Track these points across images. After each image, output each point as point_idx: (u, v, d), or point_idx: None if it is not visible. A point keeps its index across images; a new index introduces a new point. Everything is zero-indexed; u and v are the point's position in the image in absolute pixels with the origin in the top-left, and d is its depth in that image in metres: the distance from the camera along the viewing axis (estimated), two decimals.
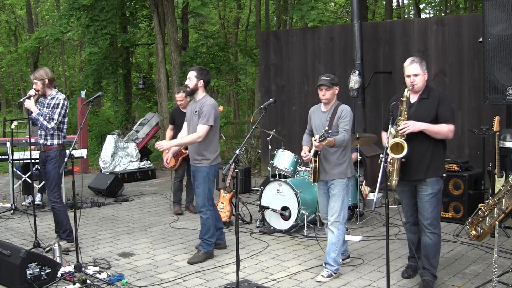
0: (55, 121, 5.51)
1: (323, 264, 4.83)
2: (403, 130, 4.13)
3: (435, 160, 4.28)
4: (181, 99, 7.47)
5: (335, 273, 4.72)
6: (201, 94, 5.46)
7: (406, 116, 4.20)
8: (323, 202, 4.90)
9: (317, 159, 4.71)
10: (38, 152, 7.47)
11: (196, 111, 5.38)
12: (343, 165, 4.74)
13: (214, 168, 5.40)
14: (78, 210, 5.17)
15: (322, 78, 4.82)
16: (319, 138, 4.38)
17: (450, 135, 4.23)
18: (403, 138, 4.13)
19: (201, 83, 5.42)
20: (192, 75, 5.42)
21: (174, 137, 7.30)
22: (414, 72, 4.29)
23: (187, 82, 5.46)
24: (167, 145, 5.42)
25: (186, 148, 7.41)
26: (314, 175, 4.76)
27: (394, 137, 4.15)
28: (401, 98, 4.23)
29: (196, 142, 5.28)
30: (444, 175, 4.38)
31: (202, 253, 5.36)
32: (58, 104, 5.55)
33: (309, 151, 4.80)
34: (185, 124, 5.62)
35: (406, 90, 4.24)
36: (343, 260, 4.99)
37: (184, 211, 7.66)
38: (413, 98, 4.37)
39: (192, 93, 5.48)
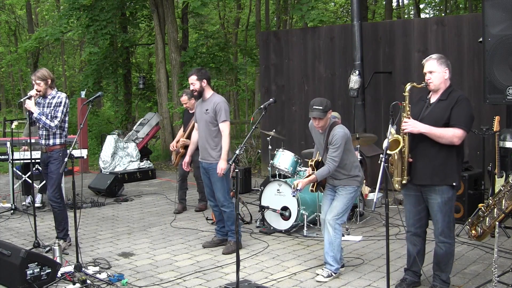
0: (58, 119, 5.52)
1: (324, 264, 4.82)
2: (403, 128, 4.02)
3: (445, 167, 4.01)
4: (185, 102, 7.65)
5: (335, 273, 4.71)
6: (208, 92, 5.66)
7: (408, 113, 4.06)
8: (327, 203, 4.89)
9: (315, 184, 4.84)
10: (39, 152, 7.51)
11: (207, 110, 5.57)
12: (353, 177, 4.80)
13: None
14: (78, 210, 5.17)
15: (314, 107, 4.66)
16: (292, 194, 4.78)
17: (455, 140, 3.92)
18: (405, 135, 4.02)
19: (204, 82, 5.61)
20: (193, 79, 5.60)
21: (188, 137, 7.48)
22: (429, 69, 4.07)
23: (191, 88, 5.64)
24: (224, 166, 5.44)
25: (184, 148, 7.47)
26: (320, 191, 4.93)
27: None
28: (403, 94, 4.09)
29: (229, 141, 5.52)
30: (455, 183, 4.04)
31: (233, 243, 5.52)
32: (61, 102, 5.56)
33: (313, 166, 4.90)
34: (196, 125, 5.83)
35: (408, 85, 4.10)
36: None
37: (195, 211, 7.65)
38: (433, 98, 4.12)
39: (200, 95, 5.64)
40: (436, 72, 4.06)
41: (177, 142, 7.62)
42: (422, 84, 4.13)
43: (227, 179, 5.57)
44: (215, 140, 5.54)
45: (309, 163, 4.90)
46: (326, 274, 4.69)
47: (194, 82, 5.59)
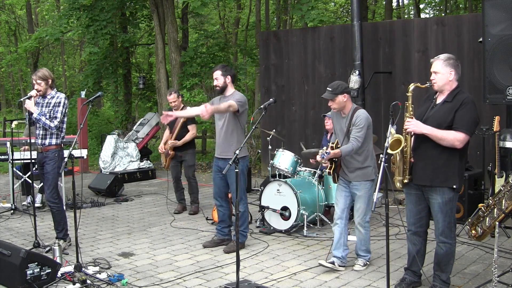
0: (58, 120, 5.53)
1: (356, 256, 5.06)
2: (405, 127, 4.03)
3: (447, 169, 3.98)
4: (174, 100, 7.45)
5: (368, 262, 5.03)
6: (230, 90, 5.64)
7: (411, 112, 4.08)
8: (341, 200, 4.95)
9: (332, 165, 4.88)
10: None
11: None
12: (365, 169, 4.85)
13: (246, 161, 5.59)
14: (78, 210, 5.17)
15: (326, 89, 4.84)
16: (321, 155, 4.60)
17: (456, 143, 3.90)
18: (410, 135, 4.04)
19: (228, 78, 5.59)
20: (218, 74, 5.57)
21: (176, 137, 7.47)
22: (434, 69, 4.06)
23: (215, 83, 5.62)
24: (208, 112, 5.13)
25: (172, 149, 7.45)
26: (333, 177, 4.96)
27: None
28: (406, 93, 4.11)
29: (228, 110, 5.33)
30: (455, 186, 4.00)
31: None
32: (60, 102, 5.57)
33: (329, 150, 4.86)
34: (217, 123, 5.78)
35: (412, 85, 4.12)
36: (339, 266, 4.92)
37: (188, 214, 7.60)
38: (439, 99, 4.11)
39: (222, 90, 5.61)
40: (440, 73, 4.05)
41: (165, 144, 7.56)
42: (426, 84, 4.14)
43: (243, 178, 5.49)
44: (232, 137, 5.50)
45: (330, 144, 4.91)
46: (363, 263, 5.00)
47: (218, 77, 5.55)
